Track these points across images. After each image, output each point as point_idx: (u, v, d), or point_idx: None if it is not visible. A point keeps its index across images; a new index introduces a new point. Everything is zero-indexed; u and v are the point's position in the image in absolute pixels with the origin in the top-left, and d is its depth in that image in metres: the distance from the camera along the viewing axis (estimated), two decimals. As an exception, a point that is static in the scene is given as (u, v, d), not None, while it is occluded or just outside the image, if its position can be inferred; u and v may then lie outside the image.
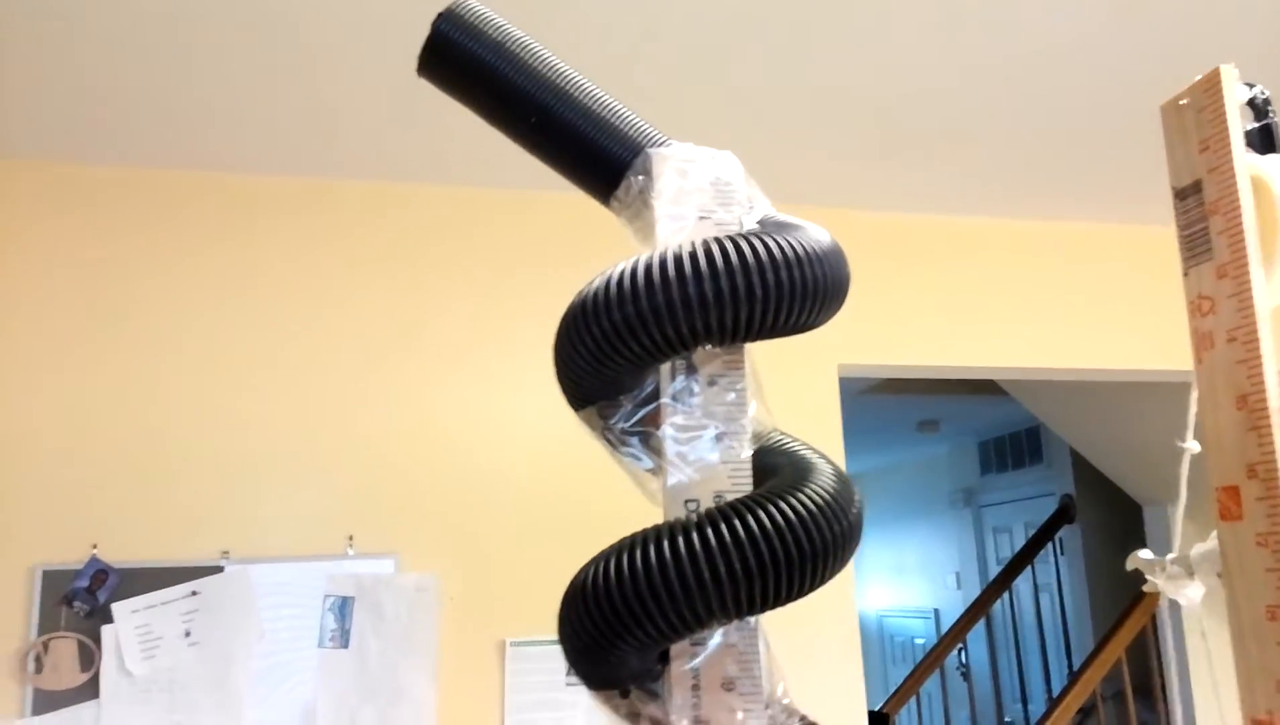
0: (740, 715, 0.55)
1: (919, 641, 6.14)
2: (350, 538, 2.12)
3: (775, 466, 0.58)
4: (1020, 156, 2.32)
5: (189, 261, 2.18)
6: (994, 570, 5.13)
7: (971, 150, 2.28)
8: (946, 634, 4.50)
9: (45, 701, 1.92)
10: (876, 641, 6.61)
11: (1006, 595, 4.85)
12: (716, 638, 0.56)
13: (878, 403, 4.71)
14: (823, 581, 0.55)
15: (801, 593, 0.55)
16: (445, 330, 2.27)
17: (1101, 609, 4.72)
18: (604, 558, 0.55)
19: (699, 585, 0.51)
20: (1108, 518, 4.58)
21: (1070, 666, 4.74)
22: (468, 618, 2.11)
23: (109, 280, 2.14)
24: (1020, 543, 4.85)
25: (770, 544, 0.52)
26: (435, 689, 2.06)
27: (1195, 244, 0.53)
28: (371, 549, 2.12)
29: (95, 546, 2.00)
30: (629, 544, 0.54)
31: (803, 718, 0.59)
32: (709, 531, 0.52)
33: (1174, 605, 3.51)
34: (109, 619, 1.97)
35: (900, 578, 6.51)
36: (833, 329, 2.55)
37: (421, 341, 2.25)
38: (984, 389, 4.37)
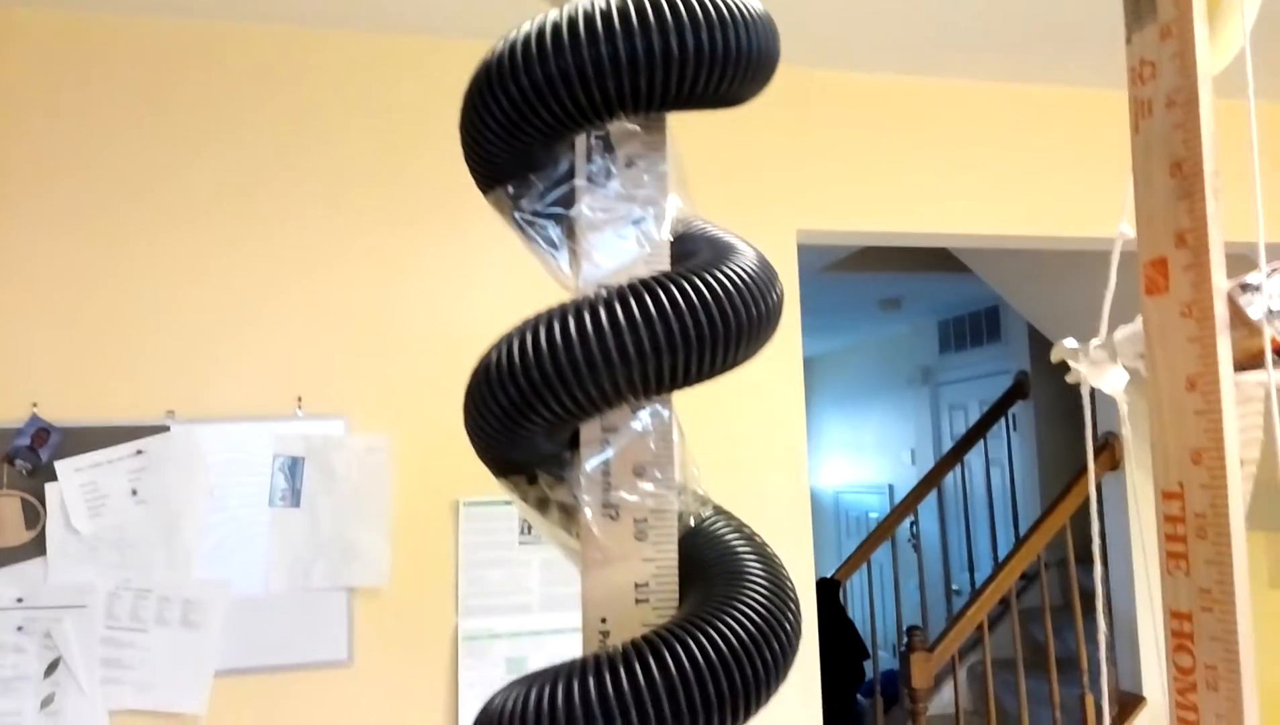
0: (651, 502, 0.53)
1: (873, 516, 6.31)
2: (299, 399, 2.09)
3: (695, 251, 0.56)
4: (985, 14, 2.25)
5: (135, 114, 2.08)
6: (948, 446, 5.24)
7: (933, 7, 2.20)
8: (899, 504, 4.62)
9: (-9, 558, 1.91)
10: (832, 516, 6.78)
11: (959, 469, 4.96)
12: (629, 423, 0.54)
13: (840, 281, 4.70)
14: (734, 362, 0.53)
15: (713, 371, 0.53)
16: (401, 189, 2.20)
17: (1049, 483, 4.85)
18: (510, 336, 0.52)
19: (606, 361, 0.49)
20: (1059, 395, 4.66)
21: (1017, 537, 4.90)
22: (420, 479, 2.11)
23: (47, 132, 2.04)
24: (975, 420, 4.94)
25: (682, 319, 0.50)
26: (389, 548, 2.08)
27: (1141, 6, 0.49)
28: (321, 410, 2.10)
29: (35, 405, 1.96)
30: (535, 321, 0.52)
31: (716, 508, 0.58)
32: (617, 305, 0.50)
33: (1115, 478, 3.61)
34: (53, 477, 1.95)
35: (858, 454, 6.64)
36: (791, 192, 2.50)
37: (375, 200, 2.18)
38: (945, 266, 4.37)
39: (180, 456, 2.01)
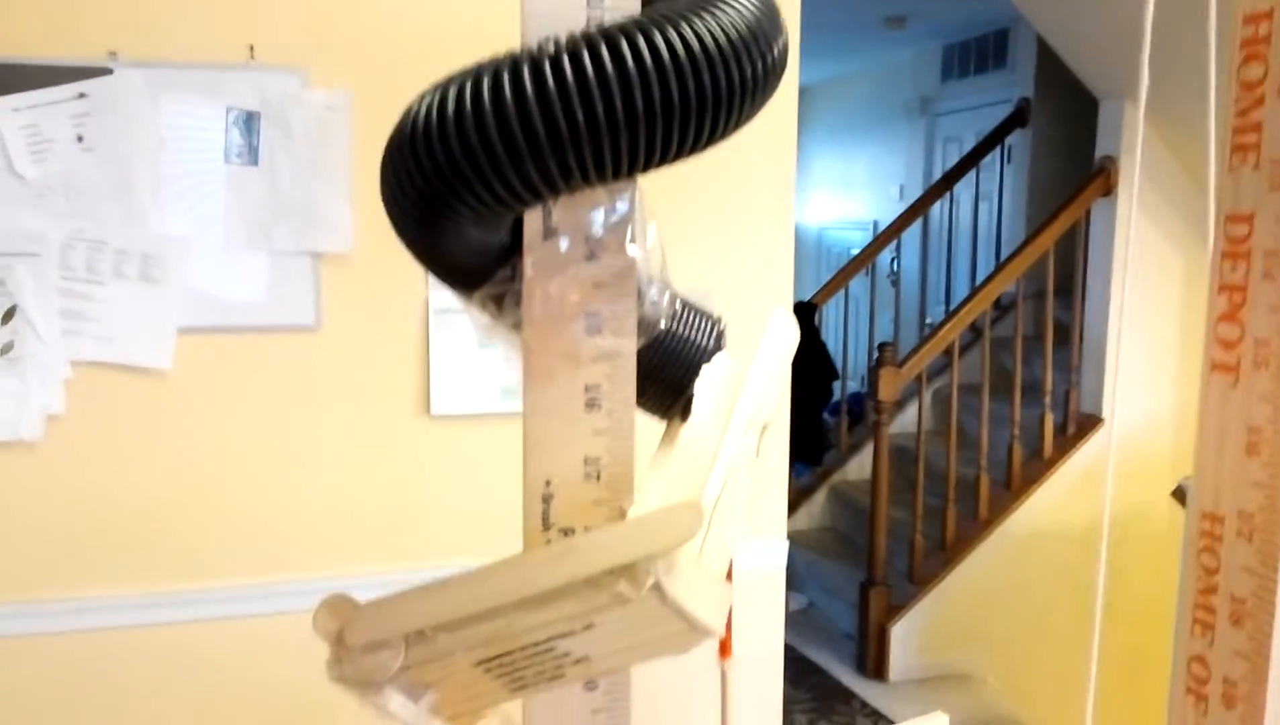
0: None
1: (855, 252, 6.28)
2: (251, 48, 1.93)
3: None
4: None
5: None
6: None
7: None
8: (882, 233, 4.57)
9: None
10: (815, 252, 6.75)
11: (947, 202, 4.88)
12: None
13: (844, -7, 4.39)
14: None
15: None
16: None
17: (1038, 220, 4.79)
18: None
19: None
20: (1061, 122, 4.49)
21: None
22: (381, 137, 1.99)
23: None
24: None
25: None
26: (352, 213, 1.99)
27: None
28: (276, 61, 1.94)
29: (-39, 36, 1.79)
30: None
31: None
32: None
33: (1107, 204, 3.53)
34: (-10, 117, 1.81)
35: (846, 191, 6.52)
36: None
37: None
38: (958, -22, 4.06)
39: (126, 102, 1.87)
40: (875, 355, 3.46)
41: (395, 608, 0.39)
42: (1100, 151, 3.54)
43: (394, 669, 0.37)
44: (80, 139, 1.86)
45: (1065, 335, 3.75)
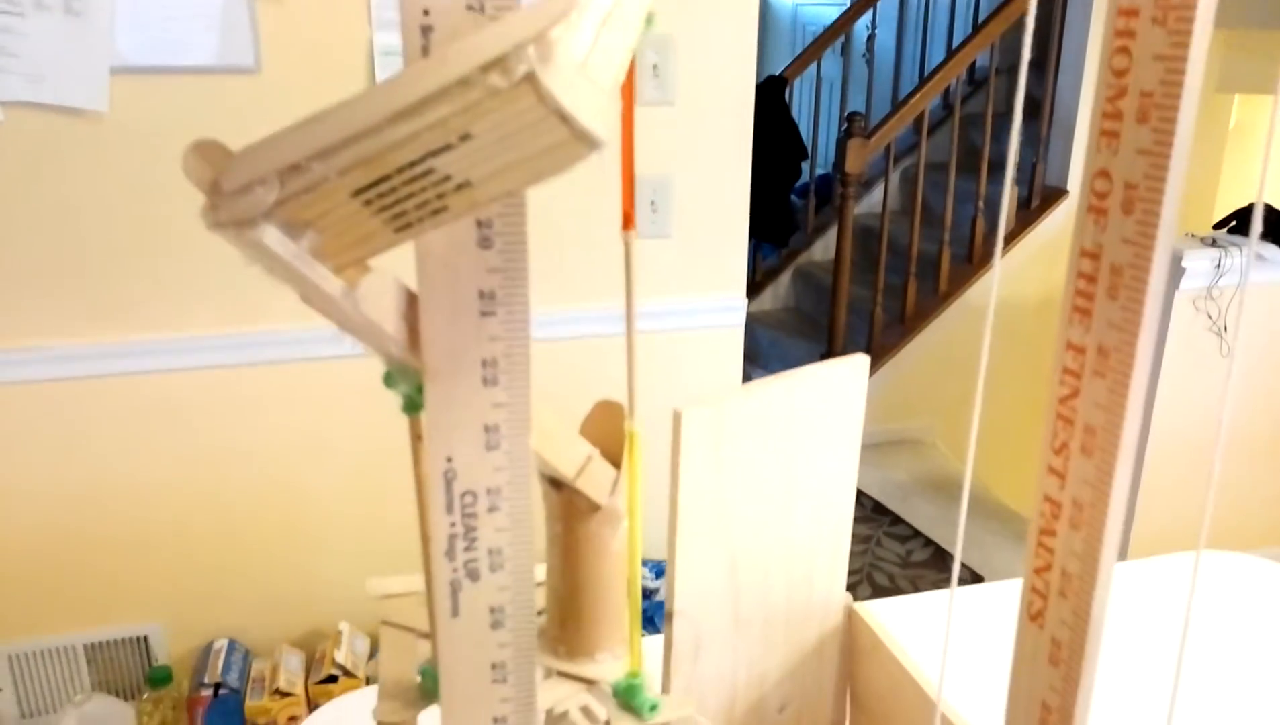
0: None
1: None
2: None
3: None
4: None
5: None
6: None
7: None
8: (858, 1, 4.39)
9: None
10: (789, 30, 6.50)
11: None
12: None
13: None
14: None
15: None
16: None
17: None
18: None
19: None
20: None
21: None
22: None
23: None
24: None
25: None
26: (289, -58, 1.87)
27: None
28: None
29: None
30: None
31: None
32: None
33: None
34: None
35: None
36: None
37: None
38: None
39: None
40: (844, 127, 3.39)
41: (270, 145, 0.37)
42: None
43: (269, 203, 0.36)
44: None
45: (1036, 108, 3.69)
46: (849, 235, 3.44)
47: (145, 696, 2.01)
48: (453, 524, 0.44)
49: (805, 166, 4.40)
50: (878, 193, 4.32)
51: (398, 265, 0.42)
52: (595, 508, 0.52)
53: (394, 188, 0.38)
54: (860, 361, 0.67)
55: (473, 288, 0.41)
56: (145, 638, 2.08)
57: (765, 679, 0.68)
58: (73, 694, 2.05)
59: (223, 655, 2.05)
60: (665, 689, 0.63)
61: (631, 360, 0.48)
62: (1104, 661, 1.01)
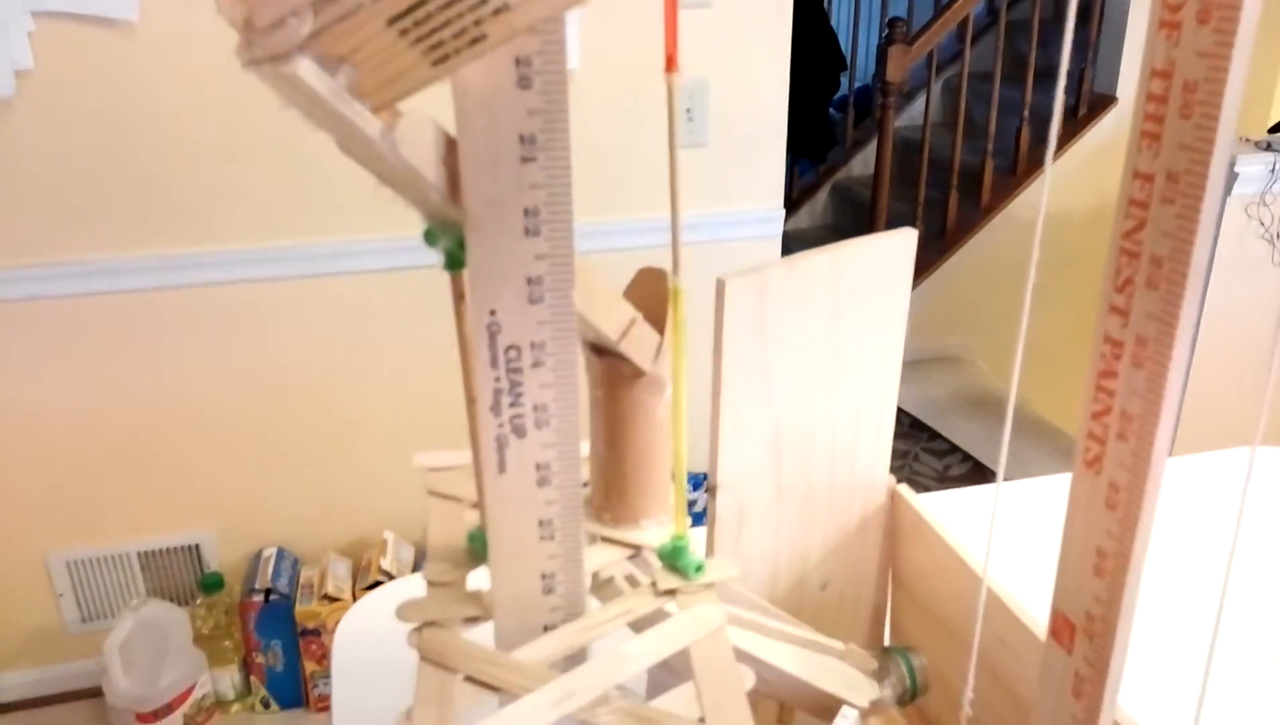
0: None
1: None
2: None
3: None
4: None
5: None
6: None
7: None
8: (900, -94, 4.20)
9: None
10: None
11: None
12: None
13: None
14: None
15: None
16: None
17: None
18: None
19: None
20: None
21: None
22: None
23: None
24: None
25: None
26: None
27: None
28: None
29: None
30: None
31: None
32: None
33: None
34: None
35: None
36: None
37: None
38: None
39: None
40: (885, 34, 3.29)
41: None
42: None
43: (303, 35, 0.34)
44: None
45: (1086, 13, 3.55)
46: (889, 148, 3.35)
47: (199, 602, 2.08)
48: (498, 379, 0.43)
49: (844, 78, 4.28)
50: (918, 105, 4.20)
51: (436, 114, 0.41)
52: (639, 374, 0.52)
53: (430, 15, 0.36)
54: (908, 235, 0.65)
55: (513, 131, 0.40)
56: (197, 546, 2.14)
57: (807, 557, 0.68)
58: (129, 599, 2.12)
59: (272, 563, 2.10)
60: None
61: (676, 219, 0.47)
62: (1150, 558, 1.01)
